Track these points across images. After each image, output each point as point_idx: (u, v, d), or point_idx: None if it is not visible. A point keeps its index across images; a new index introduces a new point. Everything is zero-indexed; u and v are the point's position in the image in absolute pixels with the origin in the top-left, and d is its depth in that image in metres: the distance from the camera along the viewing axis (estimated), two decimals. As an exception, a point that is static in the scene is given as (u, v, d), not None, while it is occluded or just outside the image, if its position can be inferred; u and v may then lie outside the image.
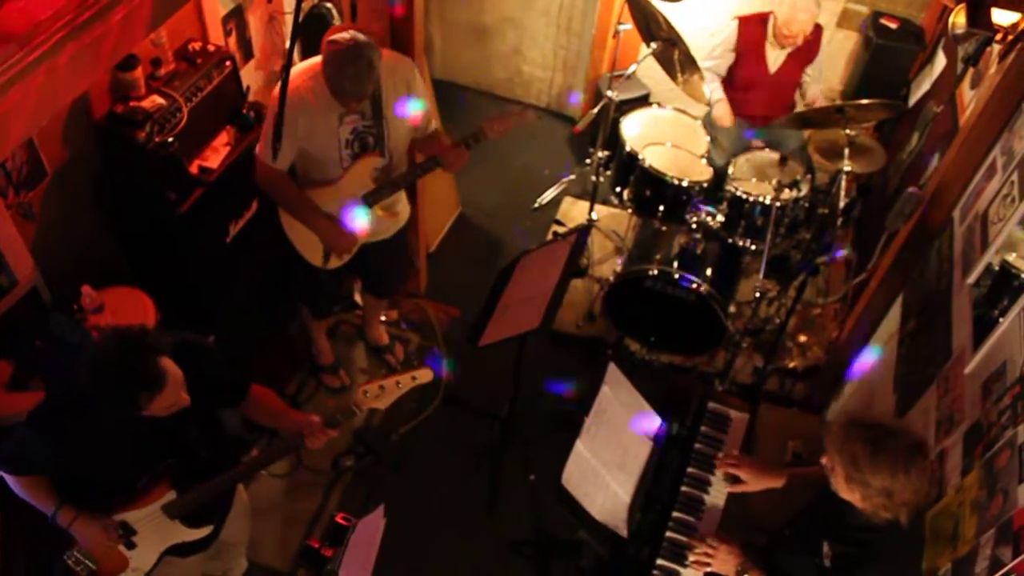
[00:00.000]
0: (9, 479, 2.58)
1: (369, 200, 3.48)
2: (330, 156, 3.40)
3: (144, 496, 2.64)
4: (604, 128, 4.95)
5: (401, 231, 3.90)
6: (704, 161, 4.55)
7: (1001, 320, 2.80)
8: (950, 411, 2.96)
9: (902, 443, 2.37)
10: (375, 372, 4.61)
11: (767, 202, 4.23)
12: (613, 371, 3.21)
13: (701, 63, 4.63)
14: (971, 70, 4.11)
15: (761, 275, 4.16)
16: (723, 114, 4.71)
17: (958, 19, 4.06)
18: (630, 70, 4.60)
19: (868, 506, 2.42)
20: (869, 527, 2.48)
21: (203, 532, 2.85)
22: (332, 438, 2.69)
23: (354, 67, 3.07)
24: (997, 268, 2.99)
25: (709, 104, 4.79)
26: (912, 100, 5.01)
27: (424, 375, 2.64)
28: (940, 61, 4.76)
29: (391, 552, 2.82)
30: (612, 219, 5.36)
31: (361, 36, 3.08)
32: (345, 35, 3.07)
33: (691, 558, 2.91)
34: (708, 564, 2.85)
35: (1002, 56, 3.40)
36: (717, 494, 3.13)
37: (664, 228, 4.53)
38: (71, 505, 2.60)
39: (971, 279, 3.12)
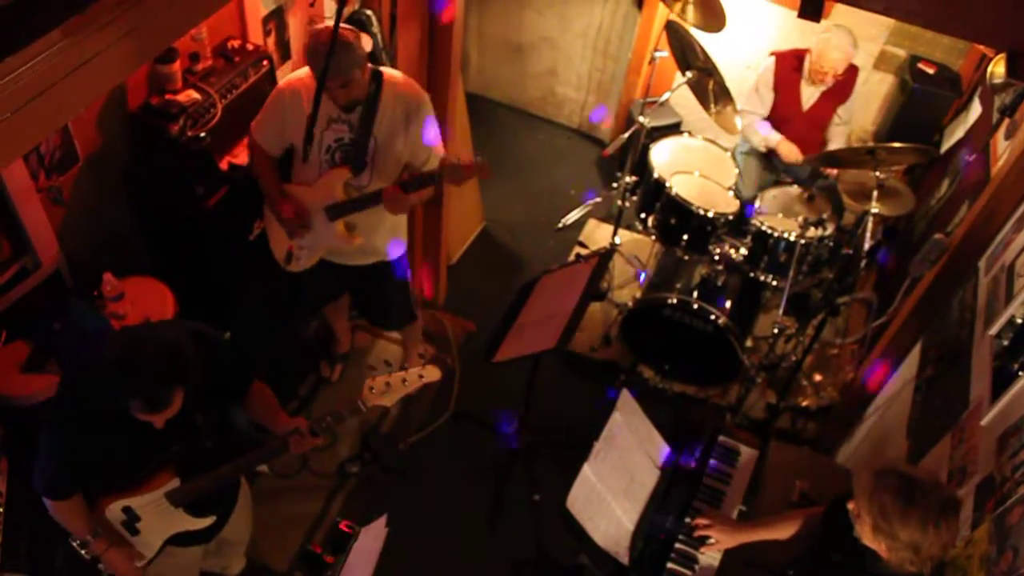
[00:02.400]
0: (49, 504, 2.59)
1: (331, 212, 3.41)
2: (310, 158, 3.36)
3: (148, 482, 2.65)
4: (633, 153, 4.95)
5: (382, 268, 3.77)
6: (731, 193, 4.53)
7: (1021, 374, 2.77)
8: (963, 462, 2.92)
9: (935, 498, 2.29)
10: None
11: (792, 238, 4.21)
12: (626, 397, 3.20)
13: (745, 107, 4.67)
14: (1007, 120, 4.09)
15: (780, 311, 4.14)
16: (790, 150, 4.69)
17: (997, 68, 4.05)
18: (663, 97, 4.60)
19: (893, 558, 2.35)
20: None
21: (206, 522, 2.85)
22: (316, 446, 2.67)
23: (325, 46, 2.95)
24: (1020, 321, 2.96)
25: (749, 139, 4.81)
26: (945, 146, 4.98)
27: (431, 373, 2.63)
28: (975, 109, 4.74)
29: (390, 563, 2.81)
30: (635, 245, 5.36)
31: (336, 26, 2.99)
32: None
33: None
34: None
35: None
36: (721, 529, 3.10)
37: (686, 257, 4.52)
38: (104, 536, 2.64)
39: (993, 330, 3.09)
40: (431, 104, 3.41)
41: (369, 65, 3.26)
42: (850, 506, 2.48)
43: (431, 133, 3.40)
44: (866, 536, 2.42)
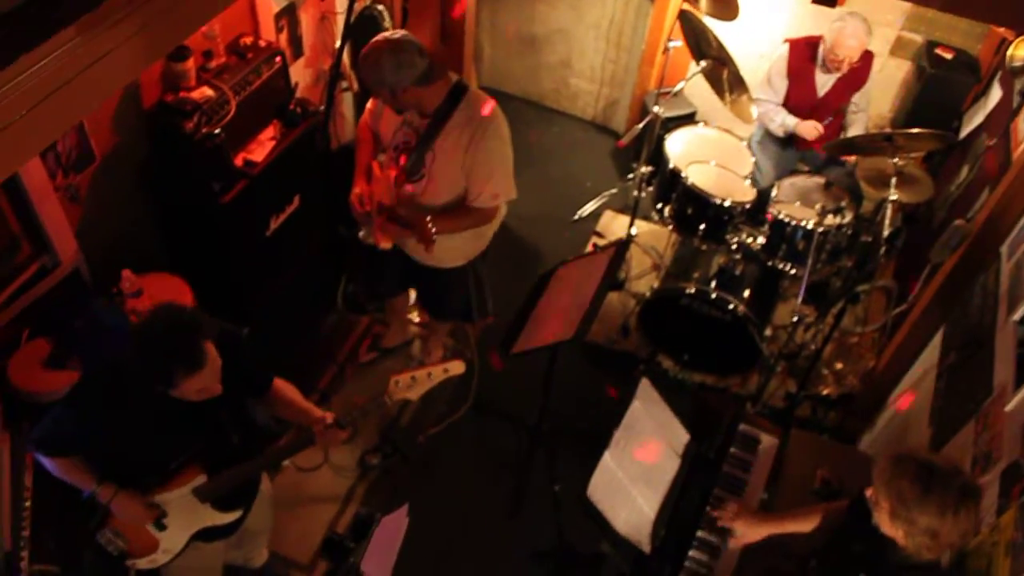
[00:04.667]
0: (45, 461, 2.61)
1: (381, 209, 3.47)
2: (383, 145, 3.50)
3: (176, 479, 2.67)
4: (648, 144, 4.93)
5: (446, 273, 3.83)
6: (748, 182, 4.51)
7: (1046, 359, 2.74)
8: (987, 448, 2.90)
9: (954, 484, 2.28)
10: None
11: (810, 227, 4.18)
12: (645, 386, 3.20)
13: (759, 96, 4.64)
14: (1027, 104, 4.05)
15: (799, 300, 4.12)
16: (809, 127, 4.65)
17: (1017, 51, 4.01)
18: (678, 87, 4.58)
19: (911, 544, 2.34)
20: (908, 565, 2.41)
21: (233, 516, 2.88)
22: (342, 439, 2.68)
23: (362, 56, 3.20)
24: (1044, 306, 2.94)
25: (767, 126, 4.78)
26: (964, 132, 4.93)
27: (456, 367, 2.63)
28: (995, 94, 4.69)
29: (412, 552, 2.82)
30: (652, 235, 5.34)
31: (389, 37, 3.18)
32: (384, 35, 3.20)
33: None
34: None
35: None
36: (743, 517, 3.09)
37: (704, 247, 4.50)
38: (111, 481, 2.63)
39: (1017, 316, 3.06)
40: (501, 139, 3.37)
41: (453, 78, 3.31)
42: (868, 493, 2.47)
43: (489, 177, 3.38)
44: (884, 523, 2.41)
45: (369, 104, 3.61)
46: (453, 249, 3.68)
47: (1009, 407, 2.84)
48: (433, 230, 3.32)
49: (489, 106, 3.35)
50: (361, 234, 3.64)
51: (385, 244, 3.49)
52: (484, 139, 3.30)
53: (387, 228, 3.44)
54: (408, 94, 3.22)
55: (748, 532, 3.00)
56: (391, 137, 3.48)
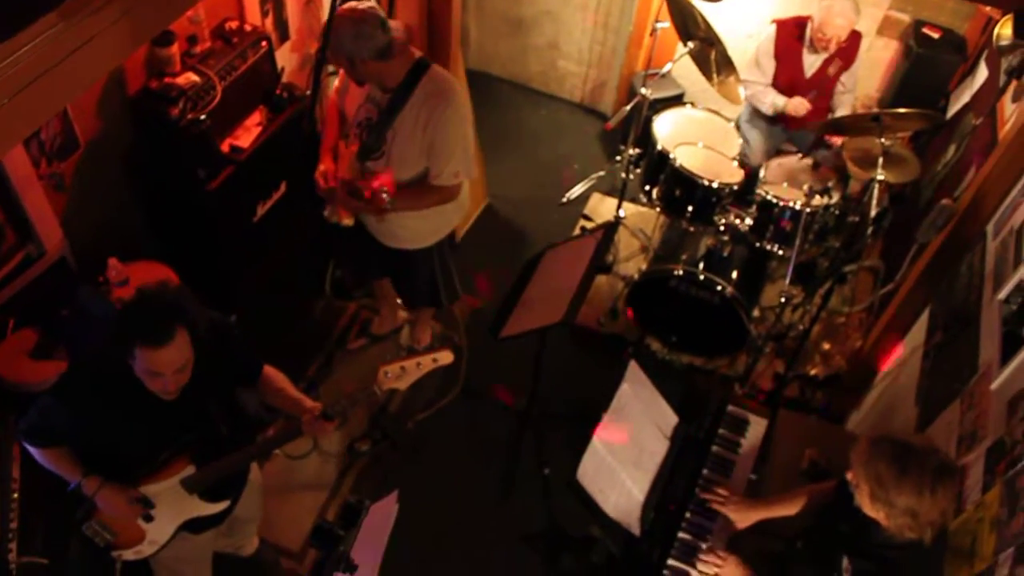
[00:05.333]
0: (33, 451, 2.61)
1: (342, 184, 3.49)
2: (348, 121, 3.51)
3: (164, 470, 2.66)
4: (636, 126, 4.92)
5: (411, 255, 3.81)
6: (735, 163, 4.51)
7: (1031, 337, 2.76)
8: (973, 427, 2.92)
9: (929, 463, 2.32)
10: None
11: (797, 207, 4.19)
12: (634, 369, 3.20)
13: (747, 77, 4.65)
14: (1014, 82, 4.05)
15: (787, 281, 4.13)
16: (797, 104, 4.66)
17: (1004, 30, 4.00)
18: (665, 69, 4.57)
19: (892, 525, 2.38)
20: (892, 544, 2.44)
21: (220, 507, 2.87)
22: (327, 430, 2.66)
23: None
24: (1029, 285, 2.95)
25: (755, 106, 4.78)
26: (951, 111, 4.95)
27: (445, 357, 2.63)
28: (982, 73, 4.70)
29: (402, 539, 2.82)
30: (640, 217, 5.34)
31: (355, 6, 3.15)
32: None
33: (699, 567, 2.89)
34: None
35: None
36: (731, 498, 3.11)
37: (692, 229, 4.50)
38: (96, 474, 2.62)
39: (1002, 295, 3.07)
40: (460, 117, 3.37)
41: (416, 55, 3.30)
42: (849, 476, 2.50)
43: (450, 156, 3.38)
44: (865, 505, 2.44)
45: (336, 82, 3.63)
46: (416, 229, 3.68)
47: (994, 385, 2.87)
48: (385, 197, 3.33)
49: (449, 85, 3.34)
50: (326, 212, 3.63)
51: (347, 220, 3.52)
52: (443, 118, 3.29)
53: (347, 203, 3.46)
54: (367, 67, 3.20)
55: (738, 518, 3.02)
56: (354, 113, 3.48)
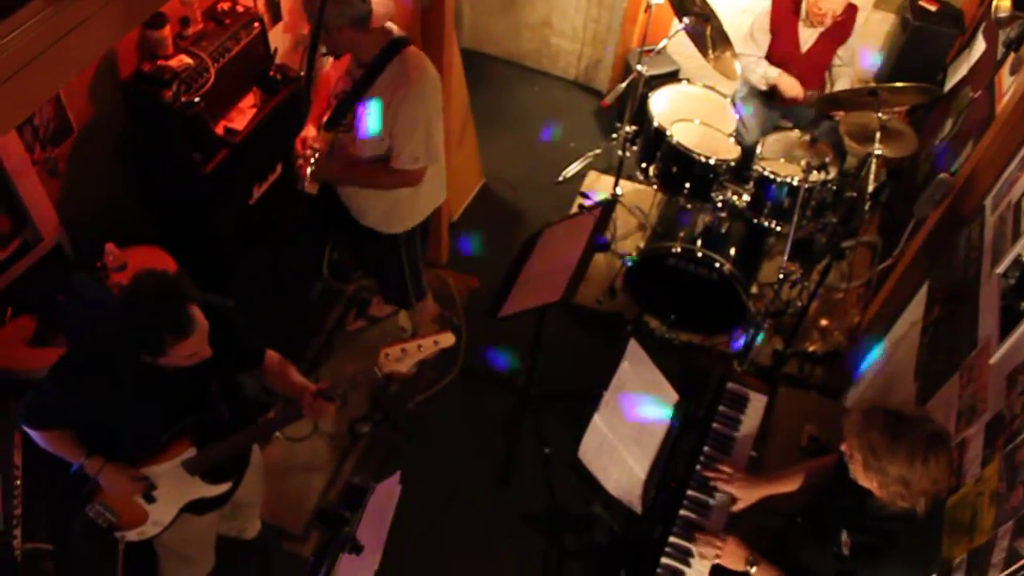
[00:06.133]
0: (34, 434, 2.61)
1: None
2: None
3: (165, 452, 2.67)
4: (632, 103, 4.90)
5: (380, 240, 3.75)
6: (732, 140, 4.49)
7: (1030, 311, 2.76)
8: (972, 401, 2.93)
9: (921, 432, 2.35)
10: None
11: (794, 183, 4.18)
12: (634, 347, 3.20)
13: (742, 51, 4.61)
14: (1012, 55, 4.03)
15: (785, 257, 4.12)
16: (790, 84, 4.64)
17: (1002, 2, 3.99)
18: (661, 45, 4.54)
19: (885, 494, 2.42)
20: (889, 516, 2.47)
21: (222, 488, 2.89)
22: (327, 412, 2.66)
23: None
24: (1028, 259, 2.95)
25: (748, 78, 4.75)
26: (948, 85, 4.92)
27: (446, 339, 2.62)
28: (979, 46, 4.67)
29: (404, 519, 2.83)
30: (637, 195, 5.33)
31: None
32: None
33: (698, 549, 2.90)
34: (717, 557, 2.85)
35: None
36: (732, 475, 3.12)
37: (689, 206, 4.49)
38: (98, 454, 2.63)
39: (1000, 269, 3.07)
40: (424, 100, 3.30)
41: (393, 33, 3.25)
42: (843, 447, 2.52)
43: (408, 138, 3.33)
44: (859, 475, 2.47)
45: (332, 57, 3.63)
46: (384, 210, 3.64)
47: (993, 359, 2.87)
48: (309, 154, 3.37)
49: (420, 67, 3.29)
50: (297, 184, 3.60)
51: (311, 188, 3.47)
52: (407, 99, 3.25)
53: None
54: (343, 35, 3.15)
55: (744, 495, 3.03)
56: (333, 86, 3.49)
